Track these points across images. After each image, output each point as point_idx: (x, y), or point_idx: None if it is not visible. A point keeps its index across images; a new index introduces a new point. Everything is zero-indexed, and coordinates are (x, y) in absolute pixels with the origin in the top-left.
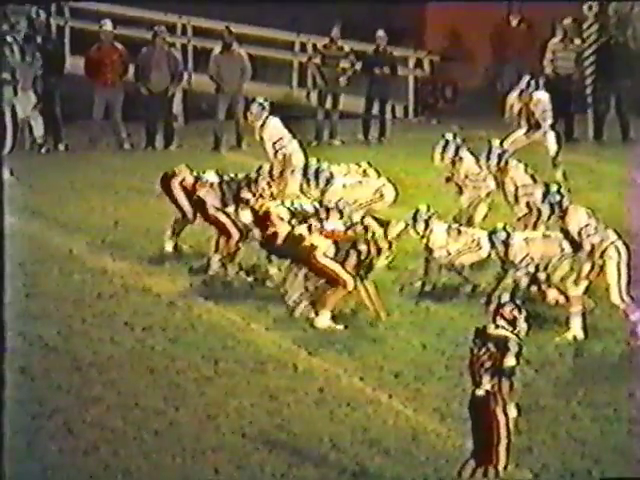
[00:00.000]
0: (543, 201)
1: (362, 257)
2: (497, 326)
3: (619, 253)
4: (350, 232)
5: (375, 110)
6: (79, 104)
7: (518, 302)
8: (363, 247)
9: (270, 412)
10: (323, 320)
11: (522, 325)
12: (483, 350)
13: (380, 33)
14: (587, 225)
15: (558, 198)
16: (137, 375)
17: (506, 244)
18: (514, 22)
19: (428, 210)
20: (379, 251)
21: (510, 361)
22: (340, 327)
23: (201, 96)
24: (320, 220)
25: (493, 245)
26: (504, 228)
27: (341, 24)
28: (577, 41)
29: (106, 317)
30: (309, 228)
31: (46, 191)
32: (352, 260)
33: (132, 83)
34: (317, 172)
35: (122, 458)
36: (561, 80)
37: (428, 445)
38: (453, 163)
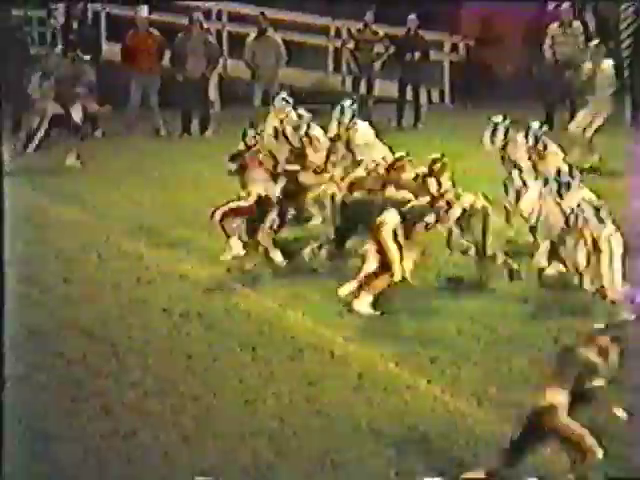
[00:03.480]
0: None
1: (428, 227)
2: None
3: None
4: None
5: (409, 95)
6: (115, 90)
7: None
8: (431, 218)
9: (308, 398)
10: (363, 305)
11: (614, 358)
12: (569, 368)
13: (411, 17)
14: (579, 205)
15: (566, 179)
16: (174, 361)
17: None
18: (550, 6)
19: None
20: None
21: (598, 382)
22: (377, 313)
23: (237, 82)
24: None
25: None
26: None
27: (375, 9)
28: (575, 24)
29: (143, 303)
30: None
31: (83, 177)
32: (418, 228)
33: (168, 69)
34: None
35: (161, 442)
36: (561, 66)
37: (466, 430)
38: (503, 147)
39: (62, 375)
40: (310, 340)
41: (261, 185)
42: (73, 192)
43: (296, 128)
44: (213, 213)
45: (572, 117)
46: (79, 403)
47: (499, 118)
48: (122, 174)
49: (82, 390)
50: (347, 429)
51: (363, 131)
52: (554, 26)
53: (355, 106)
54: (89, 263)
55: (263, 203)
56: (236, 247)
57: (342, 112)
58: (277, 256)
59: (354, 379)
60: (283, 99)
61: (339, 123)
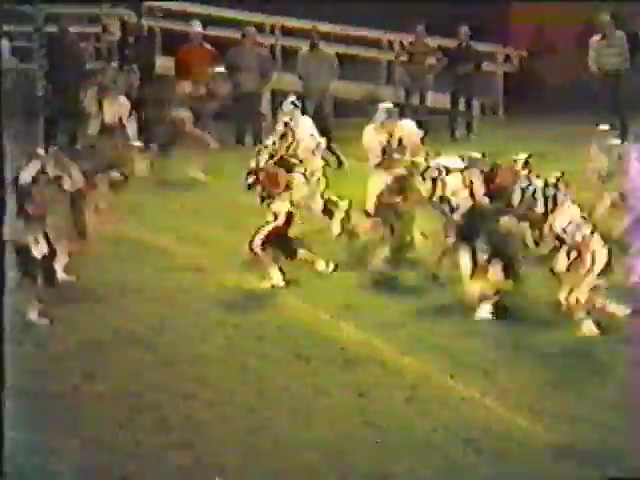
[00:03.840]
0: (542, 194)
1: None
2: None
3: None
4: None
5: (462, 107)
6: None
7: None
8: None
9: (361, 410)
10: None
11: None
12: None
13: (463, 29)
14: (569, 223)
15: (552, 192)
16: (229, 372)
17: None
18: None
19: None
20: None
21: None
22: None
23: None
24: None
25: None
26: None
27: (425, 21)
28: (619, 33)
29: (198, 314)
30: None
31: (136, 188)
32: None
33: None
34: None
35: (215, 454)
36: (609, 77)
37: (521, 443)
38: (617, 158)
39: (117, 386)
40: (362, 351)
41: (286, 203)
42: (125, 203)
43: (283, 136)
44: (250, 244)
45: (623, 127)
46: (134, 415)
47: (606, 126)
48: (175, 185)
49: (137, 401)
50: (400, 441)
51: (409, 130)
52: (596, 39)
53: (299, 102)
54: (143, 275)
55: (291, 220)
56: (277, 277)
57: (385, 114)
58: (321, 265)
59: (407, 391)
60: (292, 102)
61: (382, 127)
